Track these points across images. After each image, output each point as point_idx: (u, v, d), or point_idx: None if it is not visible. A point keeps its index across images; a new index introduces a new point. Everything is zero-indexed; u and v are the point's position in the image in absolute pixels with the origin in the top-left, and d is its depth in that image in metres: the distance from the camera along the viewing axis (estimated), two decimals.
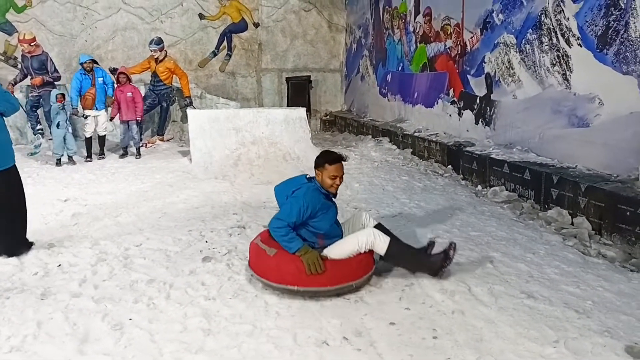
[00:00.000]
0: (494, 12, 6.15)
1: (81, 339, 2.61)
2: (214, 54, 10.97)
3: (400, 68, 8.85)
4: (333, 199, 3.28)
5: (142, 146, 8.32)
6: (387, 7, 9.30)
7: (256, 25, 11.04)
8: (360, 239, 3.12)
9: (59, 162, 7.05)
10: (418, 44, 8.18)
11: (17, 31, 9.38)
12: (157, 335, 2.65)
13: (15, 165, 3.73)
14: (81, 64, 7.45)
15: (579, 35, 4.85)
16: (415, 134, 7.51)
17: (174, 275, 3.37)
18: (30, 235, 3.90)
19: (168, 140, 8.90)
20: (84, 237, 4.18)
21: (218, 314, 2.87)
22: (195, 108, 8.58)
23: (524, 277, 3.29)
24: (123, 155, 7.66)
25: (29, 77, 7.78)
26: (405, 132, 7.81)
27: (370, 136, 8.79)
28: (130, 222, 4.59)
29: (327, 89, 11.67)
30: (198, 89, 9.88)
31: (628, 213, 3.81)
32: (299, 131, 7.66)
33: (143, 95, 8.84)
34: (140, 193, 5.64)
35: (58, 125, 6.99)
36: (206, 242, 4.03)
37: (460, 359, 2.38)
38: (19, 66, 8.51)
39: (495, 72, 6.18)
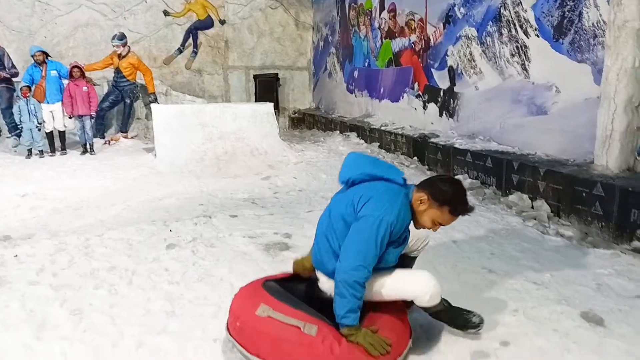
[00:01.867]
0: (456, 5, 6.28)
1: (39, 325, 2.51)
2: (180, 51, 10.82)
3: (366, 64, 8.94)
4: None
5: (106, 143, 8.15)
6: (352, 4, 9.39)
7: (222, 22, 10.96)
8: (419, 285, 2.11)
9: (30, 154, 7.00)
10: (383, 39, 8.28)
11: None
12: (119, 319, 2.58)
13: None
14: (32, 55, 7.27)
15: (536, 26, 5.00)
16: (382, 128, 7.59)
17: (137, 263, 3.30)
18: None
19: (132, 138, 8.72)
20: (43, 229, 4.05)
21: (182, 297, 2.82)
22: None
23: (485, 254, 3.36)
24: (84, 152, 7.47)
25: None
26: (372, 127, 7.88)
27: (338, 132, 8.84)
28: (91, 215, 4.47)
29: (295, 86, 11.67)
30: (163, 86, 9.73)
31: (584, 194, 3.95)
32: (267, 126, 7.62)
33: (106, 91, 8.68)
34: (102, 188, 5.50)
35: (27, 118, 6.94)
36: (170, 231, 3.96)
37: (425, 329, 2.41)
38: None
39: (457, 64, 6.32)
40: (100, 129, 8.43)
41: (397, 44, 7.86)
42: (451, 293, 2.76)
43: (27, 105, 7.02)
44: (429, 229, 2.15)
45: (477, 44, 5.91)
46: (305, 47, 11.64)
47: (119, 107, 8.73)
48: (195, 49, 10.89)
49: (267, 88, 11.11)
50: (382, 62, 8.38)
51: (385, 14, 8.20)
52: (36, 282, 3.00)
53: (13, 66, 7.69)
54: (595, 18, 4.34)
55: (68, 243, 3.66)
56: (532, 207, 4.44)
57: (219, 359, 2.22)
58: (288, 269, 3.12)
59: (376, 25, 8.50)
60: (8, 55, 7.67)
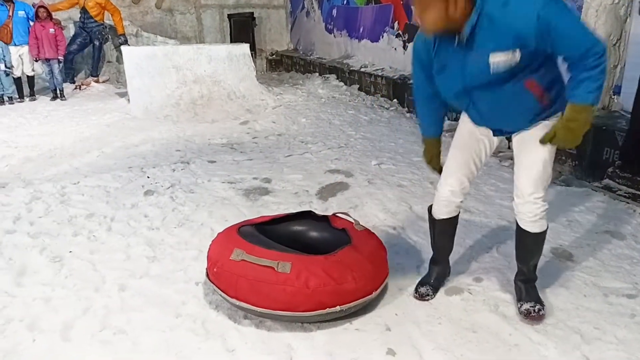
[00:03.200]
0: None
1: (18, 271, 2.51)
2: None
3: (345, 2, 8.64)
4: None
5: (76, 88, 7.87)
6: None
7: None
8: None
9: (1, 101, 6.87)
10: None
11: None
12: (100, 264, 2.59)
13: None
14: None
15: None
16: (362, 70, 7.47)
17: (115, 209, 3.28)
18: None
19: (104, 82, 8.41)
20: (16, 177, 3.96)
21: (163, 242, 2.84)
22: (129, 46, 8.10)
23: None
24: (54, 98, 7.21)
25: None
26: (351, 69, 7.74)
27: (317, 74, 8.67)
28: (65, 162, 4.37)
29: (272, 26, 11.27)
30: (133, 26, 9.28)
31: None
32: (243, 69, 7.40)
33: (73, 33, 8.27)
34: (75, 134, 5.36)
35: None
36: (148, 177, 3.92)
37: (402, 267, 2.49)
38: None
39: None
40: (69, 74, 8.10)
41: None
42: (427, 233, 2.83)
43: None
44: None
45: None
46: None
47: (88, 50, 8.35)
48: None
49: (242, 28, 10.71)
50: (361, 0, 8.11)
51: None
52: (13, 230, 2.97)
53: None
54: None
55: (43, 191, 3.59)
56: (509, 148, 4.50)
57: (201, 300, 2.27)
58: (264, 212, 3.17)
59: None
60: None
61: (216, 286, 2.11)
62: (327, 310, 1.96)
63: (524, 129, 1.89)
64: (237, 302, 2.03)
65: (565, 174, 3.88)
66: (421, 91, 2.09)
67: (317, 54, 9.75)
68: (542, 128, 1.85)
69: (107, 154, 4.61)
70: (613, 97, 4.05)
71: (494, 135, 2.00)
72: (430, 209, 2.25)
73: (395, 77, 6.57)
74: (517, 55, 1.66)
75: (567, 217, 3.02)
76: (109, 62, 8.98)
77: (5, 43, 6.85)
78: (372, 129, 5.33)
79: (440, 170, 2.18)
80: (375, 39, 7.71)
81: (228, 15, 10.72)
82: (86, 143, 4.99)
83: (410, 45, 6.83)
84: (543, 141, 1.83)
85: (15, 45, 6.94)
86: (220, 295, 2.10)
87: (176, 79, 6.99)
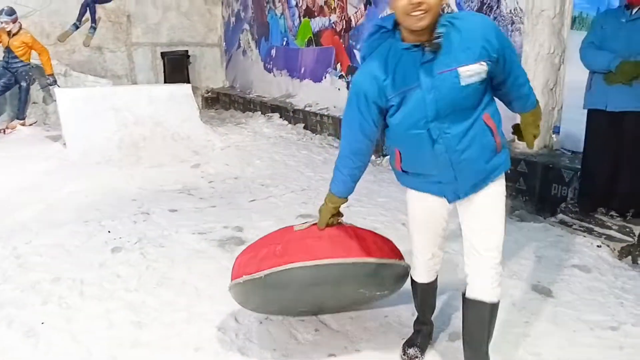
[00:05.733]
0: None
1: None
2: (76, 26, 9.83)
3: (284, 43, 8.82)
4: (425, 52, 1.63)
5: (1, 132, 7.28)
6: None
7: None
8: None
9: None
10: (302, 18, 8.21)
11: None
12: (80, 335, 2.39)
13: None
14: None
15: (457, 11, 5.27)
16: (307, 109, 7.60)
17: (82, 271, 3.05)
18: None
19: (31, 125, 7.85)
20: None
21: (145, 305, 2.67)
22: (59, 87, 7.67)
23: None
24: None
25: None
26: (295, 107, 7.86)
27: (259, 112, 8.69)
28: (8, 217, 4.00)
29: (207, 64, 11.20)
30: (61, 65, 8.81)
31: (509, 171, 4.32)
32: (186, 109, 7.26)
33: None
34: (12, 184, 4.91)
35: None
36: (109, 232, 3.69)
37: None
38: None
39: None
40: None
41: (317, 23, 7.84)
42: None
43: None
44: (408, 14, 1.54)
45: None
46: (215, 23, 11.16)
47: (12, 91, 7.78)
48: (93, 24, 9.96)
49: (176, 66, 10.55)
50: (301, 41, 8.32)
51: None
52: None
53: None
54: (512, 5, 4.67)
55: None
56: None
57: None
58: None
59: (293, 2, 8.38)
60: None
61: (287, 262, 1.97)
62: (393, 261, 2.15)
63: (474, 191, 1.79)
64: (325, 262, 1.98)
65: (517, 209, 4.18)
66: (353, 139, 1.86)
67: (256, 92, 9.79)
68: (490, 194, 1.81)
69: (54, 206, 4.28)
70: (553, 136, 4.45)
71: (449, 201, 1.85)
72: (410, 274, 2.19)
73: (341, 117, 6.75)
74: (485, 67, 1.62)
75: (535, 252, 3.24)
76: (34, 103, 8.41)
77: None
78: (329, 170, 5.34)
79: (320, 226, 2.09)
80: (317, 79, 7.91)
81: (161, 53, 10.52)
82: (26, 194, 4.59)
83: None
84: (531, 143, 2.10)
85: None
86: (294, 267, 1.96)
87: (115, 121, 6.69)
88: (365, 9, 6.66)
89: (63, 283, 2.89)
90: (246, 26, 10.13)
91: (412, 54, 1.63)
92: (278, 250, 2.02)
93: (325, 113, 7.15)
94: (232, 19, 10.67)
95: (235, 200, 4.48)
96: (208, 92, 11.08)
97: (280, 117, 8.13)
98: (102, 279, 2.94)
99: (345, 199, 2.04)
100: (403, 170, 1.89)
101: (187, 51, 10.72)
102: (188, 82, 10.29)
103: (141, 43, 10.52)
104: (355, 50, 6.97)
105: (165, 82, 10.33)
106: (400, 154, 1.84)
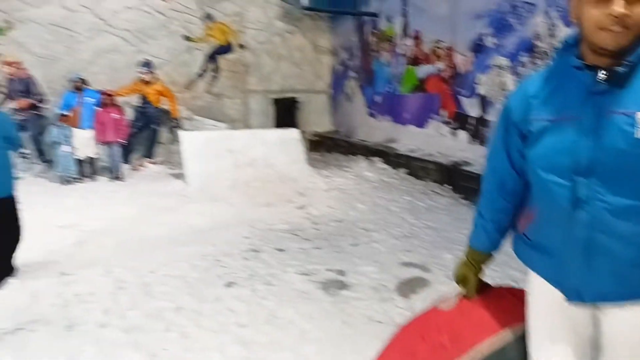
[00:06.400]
0: (486, 35, 6.36)
1: None
2: (200, 75, 10.93)
3: (389, 89, 9.02)
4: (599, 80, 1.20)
5: (132, 169, 8.19)
6: (372, 30, 9.50)
7: (242, 47, 11.08)
8: None
9: (65, 181, 7.09)
10: (407, 65, 8.36)
11: None
12: None
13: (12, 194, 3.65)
14: (70, 82, 7.41)
15: None
16: (410, 154, 7.62)
17: (200, 302, 3.29)
18: (37, 265, 3.78)
19: (157, 164, 8.75)
20: (93, 264, 4.04)
21: (254, 342, 2.81)
22: (183, 130, 8.50)
23: None
24: (113, 179, 7.51)
25: (13, 100, 7.58)
26: (398, 152, 7.92)
27: (361, 156, 8.87)
28: (137, 248, 4.46)
29: (314, 109, 11.75)
30: (185, 110, 9.80)
31: None
32: (294, 152, 7.68)
33: (132, 118, 8.75)
34: (140, 217, 5.51)
35: (61, 144, 7.07)
36: (223, 267, 3.96)
37: None
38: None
39: (489, 93, 6.37)
40: (126, 155, 8.47)
41: (423, 70, 7.93)
42: None
43: (62, 131, 7.10)
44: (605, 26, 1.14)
45: (510, 74, 5.97)
46: (323, 71, 11.75)
47: (143, 133, 8.78)
48: (215, 74, 11.00)
49: (286, 111, 11.22)
50: (406, 88, 8.45)
51: (408, 41, 8.29)
52: (105, 323, 3.00)
53: (40, 92, 7.77)
54: None
55: (125, 280, 3.65)
56: None
57: None
58: (348, 309, 3.15)
59: (399, 51, 8.59)
60: (36, 82, 7.76)
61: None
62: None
63: (610, 300, 1.23)
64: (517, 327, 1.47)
65: None
66: (496, 168, 1.47)
67: (359, 136, 10.03)
68: None
69: (176, 239, 4.70)
70: None
71: (568, 298, 1.29)
72: None
73: (446, 163, 6.67)
74: None
75: None
76: (161, 143, 9.39)
77: (72, 127, 7.28)
78: (433, 217, 5.35)
79: (472, 296, 1.58)
80: (421, 124, 7.94)
81: (273, 99, 11.26)
82: (154, 227, 5.10)
83: (460, 133, 7.00)
84: None
85: (81, 129, 7.36)
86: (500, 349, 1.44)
87: (231, 162, 7.25)
88: (474, 56, 6.63)
89: (183, 313, 3.14)
90: (352, 73, 10.52)
91: (583, 76, 1.21)
92: (446, 340, 1.50)
93: (429, 159, 7.10)
94: (340, 67, 11.16)
95: (338, 243, 4.58)
96: (314, 136, 11.56)
97: (383, 161, 8.21)
98: (216, 312, 3.15)
99: (490, 255, 1.58)
100: (525, 235, 1.41)
101: (296, 97, 11.36)
102: (296, 126, 10.89)
103: (256, 90, 11.36)
104: (461, 97, 6.93)
105: (275, 126, 11.01)
106: (529, 210, 1.39)
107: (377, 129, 9.39)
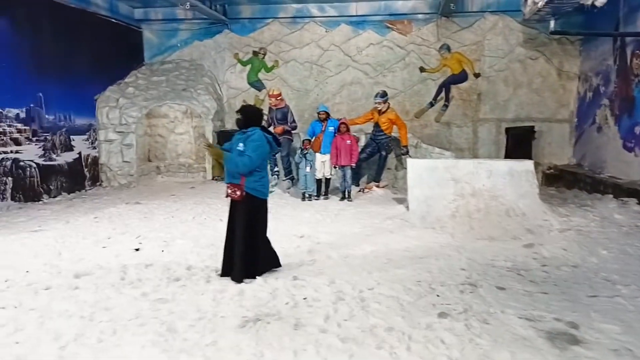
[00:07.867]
0: None
1: None
2: (431, 104, 11.12)
3: None
4: None
5: (360, 191, 8.78)
6: (636, 51, 8.18)
7: (477, 75, 10.88)
8: None
9: (304, 197, 8.09)
10: None
11: (265, 88, 11.06)
12: None
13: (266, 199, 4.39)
14: (318, 113, 8.42)
15: None
16: None
17: (411, 327, 3.31)
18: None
19: (383, 187, 9.18)
20: (320, 273, 4.45)
21: None
22: (410, 157, 8.72)
23: None
24: (342, 198, 8.17)
25: (272, 126, 8.96)
26: None
27: (610, 195, 7.65)
28: (358, 264, 4.75)
29: (553, 140, 10.72)
30: (414, 138, 10.05)
31: None
32: (525, 185, 7.08)
33: (364, 144, 9.42)
34: (364, 236, 5.85)
35: (305, 166, 8.12)
36: (437, 296, 3.90)
37: None
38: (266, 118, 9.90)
39: None
40: (355, 178, 9.13)
41: None
42: None
43: (306, 154, 8.13)
44: None
45: None
46: (567, 98, 10.65)
47: (373, 158, 9.34)
48: (446, 103, 11.04)
49: (519, 141, 10.48)
50: None
51: None
52: (325, 329, 3.26)
53: (294, 120, 9.01)
54: None
55: (345, 292, 3.93)
56: None
57: None
58: None
59: None
60: (292, 112, 9.04)
61: None
62: None
63: None
64: None
65: None
66: None
67: (608, 172, 8.69)
68: None
69: (394, 262, 4.83)
70: None
71: None
72: None
73: None
74: None
75: None
76: (388, 169, 9.83)
77: (315, 151, 8.23)
78: None
79: None
80: None
81: (506, 128, 10.69)
82: (374, 247, 5.36)
83: None
84: None
85: (321, 153, 8.26)
86: None
87: (454, 191, 7.11)
88: None
89: (394, 334, 3.20)
90: (605, 101, 9.23)
91: None
92: None
93: None
94: (589, 94, 9.93)
95: (571, 292, 4.03)
96: (550, 169, 10.51)
97: (639, 203, 6.92)
98: (427, 340, 3.12)
99: None
100: None
101: (532, 126, 10.54)
102: (530, 157, 10.07)
103: (487, 119, 10.98)
104: None
105: (506, 156, 10.40)
106: None
107: (633, 165, 7.98)
